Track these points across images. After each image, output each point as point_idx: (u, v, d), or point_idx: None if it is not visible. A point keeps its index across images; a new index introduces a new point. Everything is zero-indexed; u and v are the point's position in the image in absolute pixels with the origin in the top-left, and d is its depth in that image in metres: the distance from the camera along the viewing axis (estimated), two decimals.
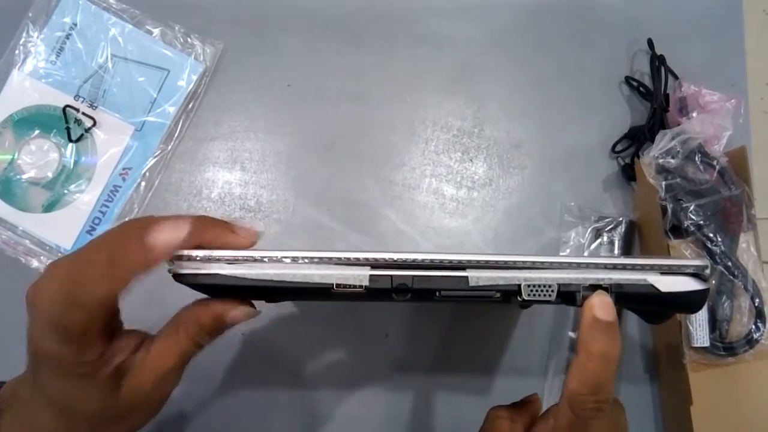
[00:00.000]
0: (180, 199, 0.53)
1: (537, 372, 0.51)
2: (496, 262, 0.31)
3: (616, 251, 0.51)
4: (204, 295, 0.33)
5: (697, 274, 0.31)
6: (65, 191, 0.52)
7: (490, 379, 0.52)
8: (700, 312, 0.45)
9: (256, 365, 0.51)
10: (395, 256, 0.31)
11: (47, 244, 0.51)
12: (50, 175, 0.52)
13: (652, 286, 0.30)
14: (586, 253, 0.51)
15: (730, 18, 0.58)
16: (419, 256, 0.31)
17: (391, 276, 0.30)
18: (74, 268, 0.29)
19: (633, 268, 0.31)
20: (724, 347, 0.45)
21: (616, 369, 0.30)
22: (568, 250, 0.52)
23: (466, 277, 0.30)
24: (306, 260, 0.31)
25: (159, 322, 0.33)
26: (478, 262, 0.31)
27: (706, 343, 0.45)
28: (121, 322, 0.34)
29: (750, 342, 0.45)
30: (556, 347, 0.51)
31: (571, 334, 0.51)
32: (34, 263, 0.51)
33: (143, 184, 0.52)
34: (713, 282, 0.46)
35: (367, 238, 0.53)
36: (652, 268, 0.31)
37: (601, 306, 0.30)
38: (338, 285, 0.30)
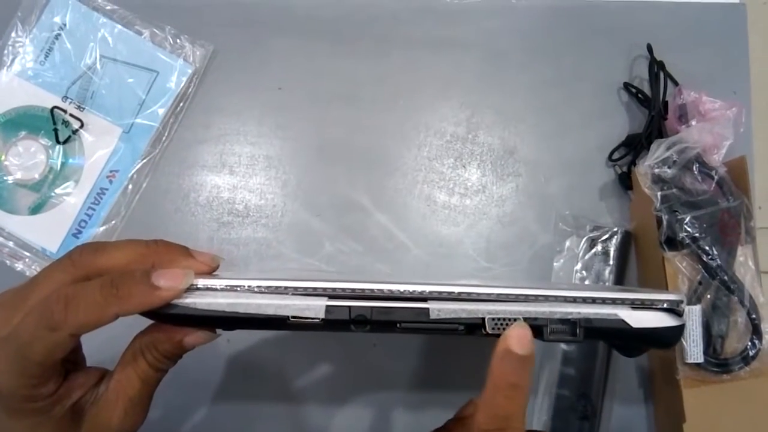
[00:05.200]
0: (167, 203, 0.52)
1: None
2: (459, 293, 0.29)
3: (611, 262, 0.50)
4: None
5: (671, 309, 0.30)
6: (52, 193, 0.51)
7: (479, 390, 0.50)
8: (695, 327, 0.44)
9: (241, 374, 0.50)
10: (354, 286, 0.29)
11: (33, 247, 0.51)
12: (37, 176, 0.51)
13: (623, 321, 0.29)
14: (579, 264, 0.50)
15: (734, 22, 0.56)
16: (379, 287, 0.29)
17: (350, 307, 0.29)
18: (54, 296, 0.28)
19: (603, 302, 0.30)
20: (719, 364, 0.44)
21: (526, 405, 0.29)
22: (561, 260, 0.51)
23: (427, 309, 0.29)
24: (260, 289, 0.29)
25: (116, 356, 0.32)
26: (440, 293, 0.29)
27: (700, 360, 0.43)
28: (83, 356, 0.33)
29: (745, 359, 0.44)
30: (547, 360, 0.50)
31: (564, 346, 0.49)
32: (19, 266, 0.50)
33: (130, 187, 0.51)
34: (708, 296, 0.44)
35: (357, 245, 0.52)
36: (623, 302, 0.30)
37: (518, 339, 0.28)
38: (294, 317, 0.29)
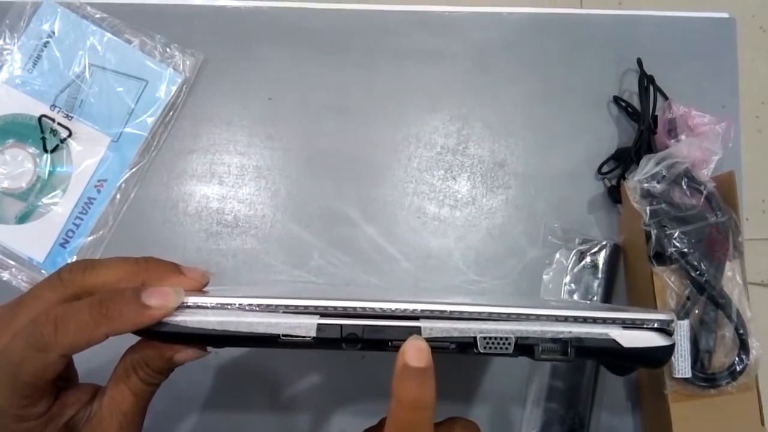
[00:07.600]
0: (156, 213, 0.52)
1: (517, 398, 0.50)
2: (451, 312, 0.29)
3: (599, 275, 0.50)
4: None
5: (662, 329, 0.30)
6: (39, 202, 0.51)
7: (468, 403, 0.50)
8: (683, 342, 0.44)
9: (230, 384, 0.50)
10: (345, 305, 0.29)
11: (20, 256, 0.50)
12: (24, 185, 0.51)
13: (614, 341, 0.29)
14: (568, 277, 0.50)
15: (724, 36, 0.56)
16: (370, 305, 0.29)
17: (341, 325, 0.29)
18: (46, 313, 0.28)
19: (594, 321, 0.30)
20: (707, 379, 0.44)
21: (432, 417, 0.28)
22: (551, 273, 0.51)
23: (419, 328, 0.29)
24: (251, 307, 0.29)
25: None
26: (432, 312, 0.29)
27: (688, 375, 0.44)
28: (76, 372, 0.32)
29: (733, 374, 0.44)
30: (536, 373, 0.50)
31: None
32: (5, 275, 0.50)
33: (118, 196, 0.51)
34: (696, 311, 0.44)
35: (347, 257, 0.51)
36: (614, 321, 0.30)
37: (413, 352, 0.28)
38: (285, 335, 0.29)
